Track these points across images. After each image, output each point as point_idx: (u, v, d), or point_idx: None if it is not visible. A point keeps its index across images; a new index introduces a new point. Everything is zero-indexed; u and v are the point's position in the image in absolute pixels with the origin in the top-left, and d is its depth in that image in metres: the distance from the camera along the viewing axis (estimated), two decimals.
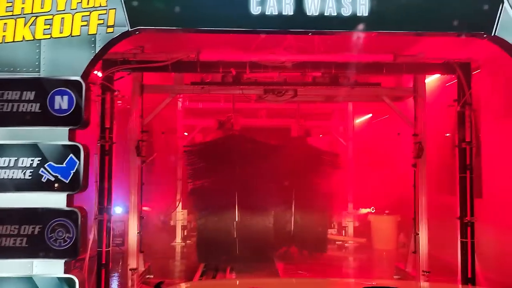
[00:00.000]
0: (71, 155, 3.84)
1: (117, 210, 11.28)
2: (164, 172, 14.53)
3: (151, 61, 6.27)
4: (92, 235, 6.03)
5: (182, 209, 12.79)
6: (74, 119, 3.91)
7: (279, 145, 10.94)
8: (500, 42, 3.89)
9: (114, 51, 6.30)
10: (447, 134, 9.54)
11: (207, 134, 14.43)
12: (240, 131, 10.50)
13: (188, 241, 12.61)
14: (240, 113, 11.25)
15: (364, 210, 12.66)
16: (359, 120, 15.39)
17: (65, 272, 3.72)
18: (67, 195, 3.85)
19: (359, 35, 4.12)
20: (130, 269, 6.96)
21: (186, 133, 13.63)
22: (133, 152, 7.45)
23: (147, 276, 8.28)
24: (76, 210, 3.84)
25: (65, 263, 3.77)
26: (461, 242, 6.08)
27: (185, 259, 11.38)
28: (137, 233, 7.59)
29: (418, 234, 7.55)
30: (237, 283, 3.82)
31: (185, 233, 12.97)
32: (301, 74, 6.44)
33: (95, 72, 6.28)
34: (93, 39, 3.93)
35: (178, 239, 12.75)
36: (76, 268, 4.24)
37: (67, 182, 3.84)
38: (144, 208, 13.35)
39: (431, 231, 7.65)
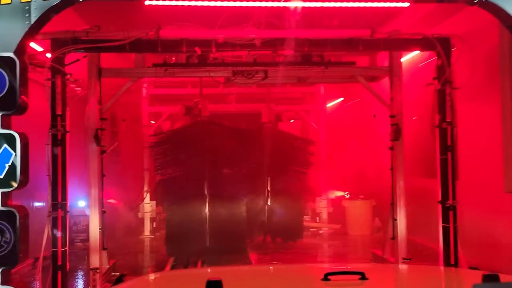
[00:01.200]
0: (5, 145, 3.25)
1: (81, 204, 10.67)
2: (131, 163, 13.93)
3: (107, 40, 5.65)
4: (46, 235, 5.46)
5: (150, 200, 12.25)
6: (7, 103, 3.31)
7: (250, 131, 10.50)
8: (492, 7, 3.52)
9: (66, 29, 5.72)
10: (414, 118, 9.31)
11: (175, 121, 13.86)
12: (209, 117, 9.97)
13: (157, 234, 12.09)
14: (208, 99, 10.69)
15: (338, 195, 12.40)
16: (331, 104, 15.11)
17: (2, 283, 3.15)
18: (2, 192, 3.26)
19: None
20: (91, 269, 6.40)
21: (153, 121, 13.01)
22: (92, 141, 6.84)
23: (112, 273, 7.73)
24: (13, 210, 3.25)
25: (2, 272, 3.19)
26: (443, 227, 5.80)
27: (154, 252, 10.87)
28: (99, 229, 7.01)
29: (396, 219, 7.27)
30: (208, 271, 3.59)
31: (154, 226, 12.44)
32: (272, 52, 5.97)
33: (47, 55, 5.65)
34: (27, 7, 3.31)
35: (147, 231, 12.20)
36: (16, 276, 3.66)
37: (1, 177, 3.25)
38: (110, 201, 12.83)
39: (409, 216, 7.40)
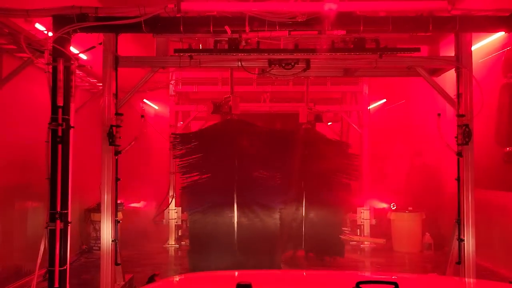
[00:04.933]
0: None
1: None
2: (158, 165, 13.12)
3: (119, 17, 4.70)
4: (41, 250, 4.54)
5: (175, 206, 11.34)
6: None
7: (285, 132, 9.40)
8: None
9: (71, 4, 4.81)
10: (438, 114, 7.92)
11: (207, 122, 12.94)
12: (240, 116, 8.92)
13: (182, 243, 11.14)
14: (240, 98, 9.66)
15: (382, 206, 11.11)
16: (372, 106, 13.84)
17: None
18: None
19: None
20: None
21: (181, 122, 12.15)
22: (105, 139, 5.91)
23: None
24: None
25: None
26: None
27: (178, 265, 9.91)
28: (112, 241, 6.06)
29: (464, 240, 5.99)
30: (236, 274, 3.38)
31: (180, 233, 11.52)
32: (319, 33, 4.87)
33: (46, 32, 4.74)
34: None
35: (171, 240, 11.29)
36: None
37: None
38: (134, 205, 12.01)
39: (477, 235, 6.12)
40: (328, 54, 5.46)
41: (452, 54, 6.00)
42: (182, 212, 11.08)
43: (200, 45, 6.00)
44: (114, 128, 5.98)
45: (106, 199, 6.06)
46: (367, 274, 4.52)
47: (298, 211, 9.27)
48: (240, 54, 5.46)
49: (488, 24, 4.76)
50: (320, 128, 11.56)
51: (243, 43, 5.31)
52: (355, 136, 12.16)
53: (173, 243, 11.23)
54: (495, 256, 7.87)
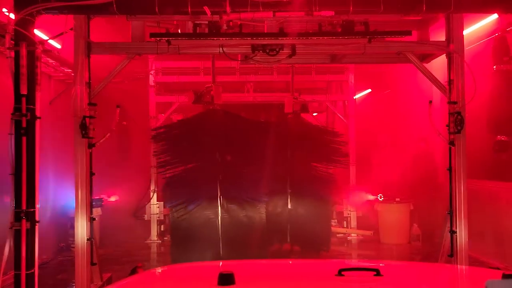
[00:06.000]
0: None
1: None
2: (139, 158, 12.69)
3: None
4: (6, 253, 4.15)
5: (157, 201, 10.97)
6: None
7: (270, 123, 9.08)
8: None
9: None
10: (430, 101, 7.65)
11: (188, 114, 12.55)
12: (223, 106, 8.57)
13: (165, 238, 10.80)
14: (223, 88, 9.28)
15: (370, 197, 10.91)
16: (357, 96, 13.62)
17: None
18: None
19: None
20: None
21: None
22: (77, 131, 5.51)
23: None
24: None
25: None
26: None
27: (161, 261, 9.56)
28: (87, 240, 5.69)
29: (456, 232, 5.78)
30: (220, 264, 3.27)
31: (162, 229, 11.16)
32: (306, 14, 4.53)
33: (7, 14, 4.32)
34: None
35: (154, 236, 10.92)
36: None
37: None
38: (112, 199, 11.58)
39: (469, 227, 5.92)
40: (315, 38, 5.14)
41: (442, 39, 5.75)
42: (164, 206, 10.73)
43: (179, 30, 5.64)
44: (87, 119, 5.60)
45: (80, 195, 5.69)
46: (350, 262, 4.48)
47: (283, 204, 8.99)
48: (221, 38, 5.10)
49: (483, 4, 4.48)
50: (306, 117, 11.28)
51: (225, 26, 4.95)
52: (341, 126, 11.92)
53: (155, 238, 10.88)
54: (486, 247, 7.71)
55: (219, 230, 8.22)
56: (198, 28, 5.16)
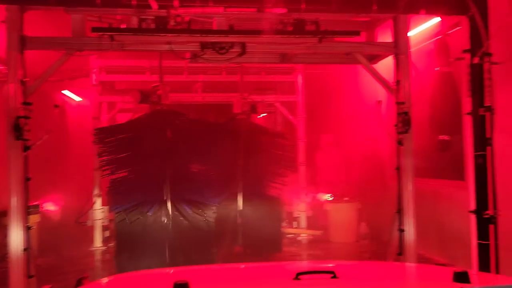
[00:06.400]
0: None
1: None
2: (82, 161, 12.08)
3: None
4: None
5: (102, 205, 10.48)
6: None
7: (219, 123, 8.90)
8: None
9: None
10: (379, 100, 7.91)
11: (134, 113, 12.09)
12: (171, 106, 8.29)
13: (110, 244, 10.31)
14: (170, 87, 8.99)
15: (320, 197, 11.00)
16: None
17: None
18: None
19: None
20: None
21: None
22: (11, 133, 5.08)
23: None
24: None
25: None
26: (480, 245, 4.41)
27: (106, 269, 9.10)
28: (24, 250, 5.26)
29: (404, 230, 5.87)
30: (171, 271, 3.10)
31: (107, 235, 10.67)
32: (258, 11, 4.41)
33: None
34: None
35: (98, 242, 10.42)
36: None
37: None
38: (49, 207, 10.94)
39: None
40: (266, 36, 5.03)
41: (387, 41, 5.85)
42: (109, 211, 10.26)
43: (123, 26, 5.34)
44: (21, 120, 5.17)
45: (14, 202, 5.25)
46: (306, 264, 4.52)
47: (234, 206, 8.85)
48: (169, 35, 4.87)
49: (430, 6, 4.56)
50: (254, 119, 11.21)
51: (172, 22, 4.73)
52: (290, 127, 11.95)
53: (100, 245, 10.39)
54: (430, 244, 7.94)
55: (168, 235, 7.94)
56: (143, 23, 4.90)
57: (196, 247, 7.89)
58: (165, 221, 7.92)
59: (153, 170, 8.03)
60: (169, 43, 5.29)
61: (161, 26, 4.80)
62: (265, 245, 8.84)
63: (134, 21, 5.00)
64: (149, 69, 10.79)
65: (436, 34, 8.05)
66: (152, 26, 4.90)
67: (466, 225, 7.34)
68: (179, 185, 8.06)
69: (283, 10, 4.35)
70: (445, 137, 7.90)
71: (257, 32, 5.05)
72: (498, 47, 4.54)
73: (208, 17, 4.60)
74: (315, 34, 4.96)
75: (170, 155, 7.95)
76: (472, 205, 4.47)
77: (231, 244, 8.90)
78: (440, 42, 7.75)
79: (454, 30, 7.77)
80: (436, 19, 8.16)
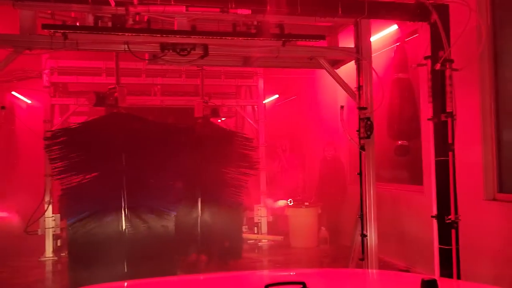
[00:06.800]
0: None
1: None
2: (31, 166, 11.48)
3: None
4: None
5: (53, 213, 9.96)
6: None
7: (180, 128, 8.66)
8: None
9: None
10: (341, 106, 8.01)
11: (89, 116, 11.61)
12: (128, 109, 7.98)
13: (62, 254, 9.82)
14: (128, 90, 8.67)
15: (280, 202, 10.95)
16: (265, 102, 13.74)
17: None
18: None
19: None
20: None
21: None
22: None
23: None
24: None
25: None
26: (442, 250, 4.44)
27: (58, 282, 8.64)
28: None
29: (366, 235, 5.87)
30: (125, 285, 2.97)
31: (59, 244, 10.16)
32: (221, 11, 4.28)
33: None
34: None
35: (49, 252, 9.89)
36: None
37: None
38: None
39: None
40: (230, 38, 4.90)
41: (349, 46, 5.87)
42: (61, 219, 9.77)
43: (78, 23, 5.06)
44: None
45: None
46: (273, 274, 4.36)
47: (194, 213, 8.62)
48: (127, 34, 4.64)
49: (393, 12, 4.58)
50: (215, 123, 11.03)
51: (131, 21, 4.51)
52: (250, 132, 11.85)
53: (51, 255, 9.86)
54: (389, 248, 8.02)
55: (125, 244, 7.61)
56: (100, 21, 4.65)
57: (154, 256, 7.61)
58: (122, 230, 7.60)
59: (109, 176, 7.68)
60: (127, 43, 5.04)
61: (119, 25, 4.56)
62: (225, 252, 8.66)
63: (90, 19, 4.74)
64: (105, 71, 10.42)
65: (395, 41, 8.20)
66: (109, 24, 4.66)
67: (424, 229, 7.49)
68: (137, 192, 7.75)
69: (247, 11, 4.23)
70: (404, 143, 8.01)
71: (220, 34, 4.91)
72: (455, 54, 4.61)
73: (169, 16, 4.41)
74: (279, 38, 4.87)
75: (128, 160, 7.64)
76: (434, 210, 4.49)
77: (191, 252, 8.67)
78: (398, 49, 7.88)
79: (411, 37, 7.95)
80: (394, 27, 8.34)
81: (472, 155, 6.20)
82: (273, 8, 4.19)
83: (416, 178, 7.96)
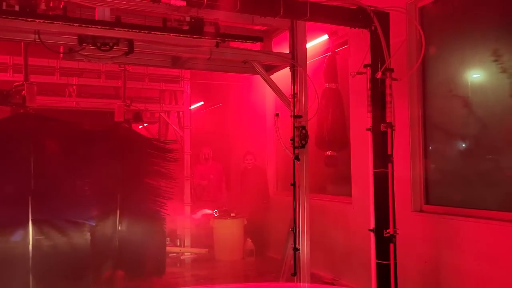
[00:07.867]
0: None
1: None
2: None
3: None
4: None
5: None
6: None
7: (97, 131, 7.91)
8: None
9: None
10: (276, 113, 7.80)
11: None
12: (38, 110, 7.14)
13: None
14: (38, 89, 7.77)
15: (205, 212, 10.49)
16: (192, 107, 13.27)
17: None
18: None
19: None
20: None
21: None
22: None
23: None
24: None
25: None
26: (379, 265, 4.29)
27: None
28: None
29: (299, 249, 5.63)
30: None
31: None
32: (152, 1, 3.80)
33: None
34: None
35: None
36: None
37: None
38: None
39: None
40: (159, 34, 4.42)
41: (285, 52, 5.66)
42: None
43: None
44: None
45: None
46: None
47: (112, 225, 7.89)
48: (38, 21, 4.00)
49: (339, 16, 4.39)
50: (135, 129, 10.35)
51: (43, 6, 3.89)
52: (175, 138, 11.29)
53: None
54: (316, 260, 7.89)
55: (30, 261, 6.74)
56: (5, 4, 3.96)
57: (66, 274, 6.82)
58: (27, 245, 6.74)
59: (14, 184, 6.78)
60: (37, 32, 4.37)
61: (28, 9, 3.91)
62: (147, 268, 8.02)
63: None
64: (11, 67, 9.37)
65: (324, 51, 8.18)
66: (16, 8, 3.99)
67: (352, 240, 7.45)
68: (47, 202, 6.92)
69: (181, 3, 3.81)
70: (332, 153, 7.96)
71: (148, 28, 4.42)
72: (394, 64, 4.54)
73: (89, 2, 3.86)
74: (214, 36, 4.49)
75: (37, 166, 6.80)
76: (372, 224, 4.33)
77: (109, 268, 7.91)
78: (329, 58, 7.86)
79: (342, 48, 7.96)
80: (325, 37, 8.32)
81: (402, 167, 6.23)
82: (210, 2, 3.81)
83: (345, 189, 7.93)
